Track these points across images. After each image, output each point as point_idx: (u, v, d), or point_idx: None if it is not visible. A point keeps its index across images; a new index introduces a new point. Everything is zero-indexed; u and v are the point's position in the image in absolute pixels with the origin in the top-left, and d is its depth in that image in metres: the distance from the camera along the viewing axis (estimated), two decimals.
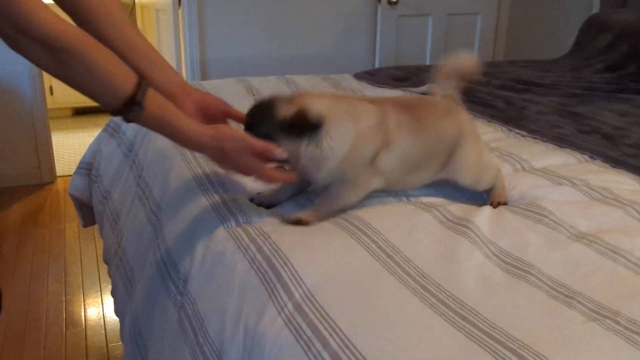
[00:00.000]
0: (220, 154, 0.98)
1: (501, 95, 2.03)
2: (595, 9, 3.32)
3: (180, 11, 3.36)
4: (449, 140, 1.14)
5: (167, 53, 3.56)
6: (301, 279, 0.84)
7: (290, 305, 0.81)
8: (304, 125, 0.98)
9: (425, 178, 1.16)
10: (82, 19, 1.08)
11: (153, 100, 0.93)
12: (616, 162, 1.35)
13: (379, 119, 1.05)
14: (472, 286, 0.84)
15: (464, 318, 0.76)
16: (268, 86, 2.13)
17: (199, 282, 1.00)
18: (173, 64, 3.44)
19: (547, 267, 0.91)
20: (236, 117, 1.15)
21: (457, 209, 1.08)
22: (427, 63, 3.84)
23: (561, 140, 1.50)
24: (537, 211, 1.08)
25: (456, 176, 1.16)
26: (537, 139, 1.54)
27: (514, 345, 0.71)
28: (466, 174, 1.17)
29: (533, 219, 1.05)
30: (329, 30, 3.70)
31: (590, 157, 1.41)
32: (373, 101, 1.09)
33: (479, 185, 1.19)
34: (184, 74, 3.46)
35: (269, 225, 1.02)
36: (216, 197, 1.14)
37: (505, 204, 1.17)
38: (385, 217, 1.03)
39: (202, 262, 1.01)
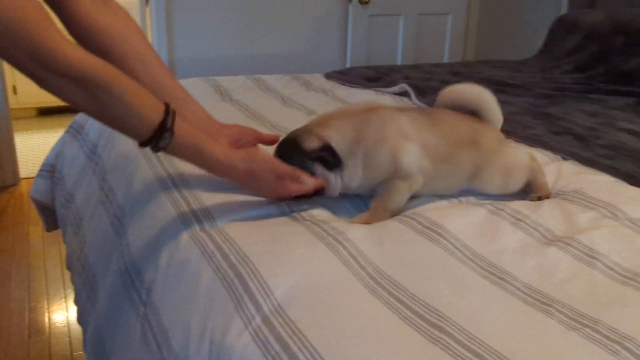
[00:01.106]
0: (249, 176, 1.00)
1: None
2: (564, 10, 3.34)
3: (147, 9, 3.29)
4: (460, 138, 1.13)
5: None
6: (270, 290, 0.80)
7: (258, 318, 0.77)
8: (327, 162, 1.05)
9: (456, 179, 1.15)
10: (114, 63, 1.08)
11: (181, 127, 0.93)
12: (589, 163, 1.34)
13: (380, 124, 1.08)
14: (448, 294, 0.81)
15: (440, 329, 0.73)
16: (237, 85, 2.09)
17: (163, 292, 0.95)
18: None
19: (521, 273, 0.89)
20: (267, 141, 1.18)
21: (435, 214, 1.05)
22: (399, 63, 3.83)
23: (535, 141, 1.49)
24: (513, 214, 1.06)
25: (482, 188, 1.16)
26: (511, 139, 1.52)
27: (492, 358, 0.68)
28: (492, 185, 1.16)
29: (509, 221, 1.03)
30: (300, 29, 3.67)
31: (564, 157, 1.40)
32: (373, 108, 1.12)
33: (508, 190, 1.17)
34: None
35: (236, 229, 0.98)
36: (181, 201, 1.09)
37: (547, 197, 1.15)
38: (357, 225, 1.00)
39: (166, 270, 0.96)
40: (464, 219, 1.02)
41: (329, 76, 2.35)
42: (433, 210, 1.06)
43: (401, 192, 1.08)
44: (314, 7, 3.66)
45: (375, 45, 3.83)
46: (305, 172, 1.04)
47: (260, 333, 0.74)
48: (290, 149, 1.07)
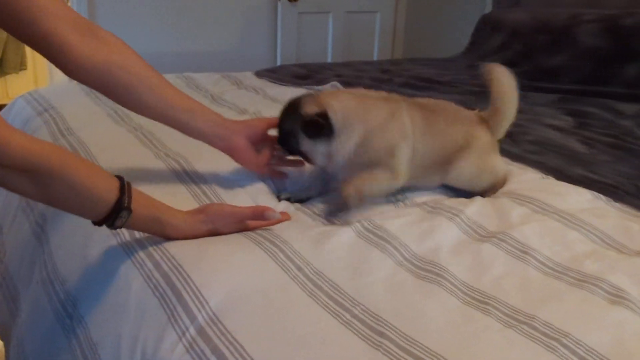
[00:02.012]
0: (213, 234, 0.95)
1: (404, 93, 2.02)
2: (488, 8, 3.42)
3: (67, 4, 3.16)
4: (452, 147, 1.16)
5: None
6: (204, 299, 0.77)
7: (192, 329, 0.73)
8: (319, 128, 1.05)
9: (434, 179, 1.19)
10: (121, 95, 1.10)
11: (139, 201, 0.88)
12: (518, 159, 1.37)
13: (390, 115, 1.10)
14: (387, 297, 0.80)
15: (381, 334, 0.72)
16: None
17: (91, 303, 0.90)
18: None
19: (458, 271, 0.89)
20: (275, 124, 1.18)
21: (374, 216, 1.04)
22: (329, 60, 3.83)
23: None
24: (449, 210, 1.06)
25: (453, 183, 1.20)
26: None
27: None
28: (462, 182, 1.20)
29: (445, 217, 1.04)
30: (229, 26, 3.61)
31: None
32: (388, 99, 1.15)
33: (474, 188, 1.20)
34: None
35: None
36: None
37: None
38: (292, 227, 0.98)
39: (93, 280, 0.91)
40: (401, 219, 1.02)
41: (260, 74, 2.32)
42: (374, 213, 1.05)
43: (380, 182, 1.09)
44: (242, 4, 3.61)
45: (306, 43, 3.82)
46: (293, 142, 1.08)
47: (195, 345, 0.71)
48: (289, 110, 1.11)
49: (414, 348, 0.69)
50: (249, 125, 1.19)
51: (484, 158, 1.20)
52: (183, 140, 1.42)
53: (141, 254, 0.89)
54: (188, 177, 1.17)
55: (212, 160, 1.22)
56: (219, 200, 1.08)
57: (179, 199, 1.05)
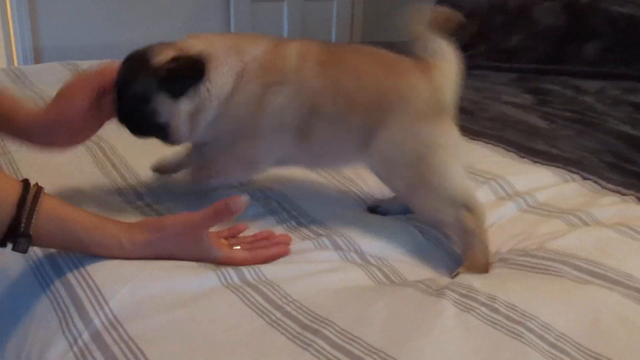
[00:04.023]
0: (167, 258, 0.72)
1: None
2: None
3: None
4: (368, 99, 0.80)
5: None
6: (104, 300, 0.64)
7: (86, 335, 0.60)
8: (185, 72, 0.76)
9: (338, 152, 0.85)
10: None
11: (46, 217, 0.66)
12: (477, 134, 1.27)
13: (269, 48, 0.81)
14: (328, 293, 0.68)
15: (315, 332, 0.60)
16: None
17: None
18: (2, 53, 3.07)
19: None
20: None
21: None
22: None
23: None
24: None
25: (378, 170, 0.84)
26: None
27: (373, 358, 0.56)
28: (393, 172, 0.82)
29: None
30: (178, 16, 3.46)
31: None
32: (272, 38, 0.86)
33: (419, 209, 0.84)
34: (15, 63, 3.07)
35: None
36: None
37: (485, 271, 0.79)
38: None
39: None
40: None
41: None
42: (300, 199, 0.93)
43: (232, 166, 0.84)
44: None
45: (260, 32, 3.69)
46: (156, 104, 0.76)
47: (88, 354, 0.58)
48: (132, 66, 0.78)
49: (352, 345, 0.58)
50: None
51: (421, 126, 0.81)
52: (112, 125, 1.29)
53: (38, 251, 0.75)
54: (105, 157, 1.04)
55: (139, 146, 1.09)
56: (140, 186, 0.95)
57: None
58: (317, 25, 3.87)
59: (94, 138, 0.91)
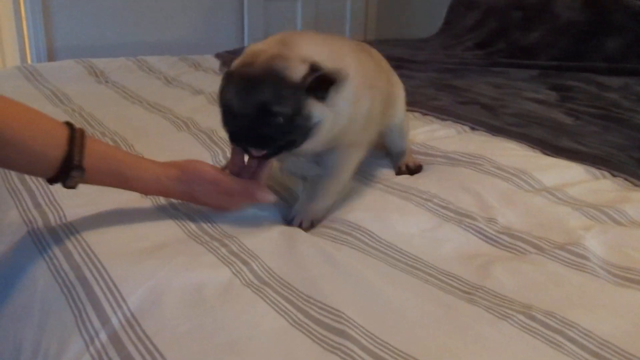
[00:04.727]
0: (190, 198, 0.82)
1: None
2: None
3: None
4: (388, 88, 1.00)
5: (9, 40, 3.16)
6: (122, 298, 0.61)
7: (103, 335, 0.58)
8: (329, 79, 0.76)
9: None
10: None
11: (96, 153, 0.73)
12: (499, 131, 1.23)
13: (361, 59, 0.90)
14: (350, 292, 0.65)
15: (341, 333, 0.57)
16: (115, 67, 1.86)
17: None
18: (16, 52, 3.05)
19: (435, 258, 0.75)
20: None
21: None
22: None
23: (442, 111, 1.37)
24: (419, 195, 0.92)
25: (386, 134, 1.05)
26: (416, 111, 1.40)
27: None
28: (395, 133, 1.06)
29: (415, 202, 0.90)
30: (192, 14, 3.44)
31: (472, 127, 1.28)
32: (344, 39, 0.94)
33: (403, 139, 1.08)
34: (29, 61, 3.07)
35: (87, 223, 0.77)
36: (20, 188, 0.88)
37: (417, 170, 1.04)
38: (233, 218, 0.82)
39: None
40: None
41: (220, 56, 2.16)
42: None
43: (353, 162, 0.90)
44: None
45: (273, 30, 3.65)
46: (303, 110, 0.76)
47: (105, 355, 0.56)
48: (273, 86, 0.74)
49: (384, 349, 0.55)
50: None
51: (403, 107, 1.07)
52: (126, 121, 1.27)
53: (53, 245, 0.72)
54: None
55: (152, 141, 1.07)
56: None
57: None
58: (331, 23, 3.83)
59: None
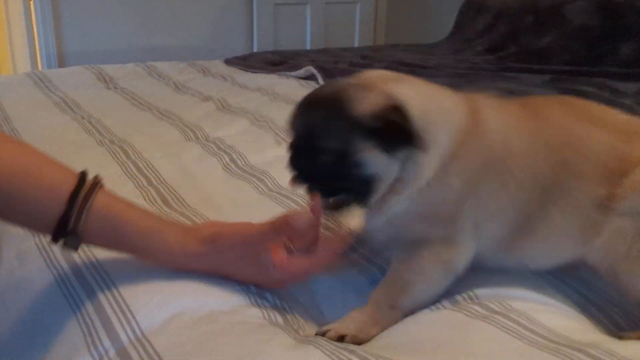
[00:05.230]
0: (218, 274, 0.66)
1: None
2: None
3: (31, 0, 2.98)
4: (595, 175, 0.65)
5: (20, 46, 3.17)
6: (131, 314, 0.60)
7: (112, 352, 0.56)
8: (403, 131, 0.61)
9: (557, 250, 0.68)
10: None
11: (98, 215, 0.62)
12: None
13: (470, 115, 0.67)
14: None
15: (352, 352, 0.55)
16: (124, 73, 1.86)
17: None
18: (27, 57, 3.07)
19: None
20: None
21: None
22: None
23: None
24: None
25: (597, 264, 0.65)
26: None
27: None
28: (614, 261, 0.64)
29: None
30: (202, 20, 3.44)
31: None
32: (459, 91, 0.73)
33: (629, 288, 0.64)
34: (39, 67, 3.08)
35: None
36: None
37: None
38: None
39: (2, 288, 0.74)
40: None
41: (229, 62, 2.16)
42: None
43: (433, 271, 0.65)
44: None
45: (283, 35, 3.67)
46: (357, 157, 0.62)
47: None
48: (327, 114, 0.63)
49: None
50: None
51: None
52: (137, 128, 1.26)
53: (58, 255, 0.71)
54: (132, 164, 1.01)
55: (162, 149, 1.06)
56: (165, 190, 0.91)
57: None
58: (340, 28, 3.83)
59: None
